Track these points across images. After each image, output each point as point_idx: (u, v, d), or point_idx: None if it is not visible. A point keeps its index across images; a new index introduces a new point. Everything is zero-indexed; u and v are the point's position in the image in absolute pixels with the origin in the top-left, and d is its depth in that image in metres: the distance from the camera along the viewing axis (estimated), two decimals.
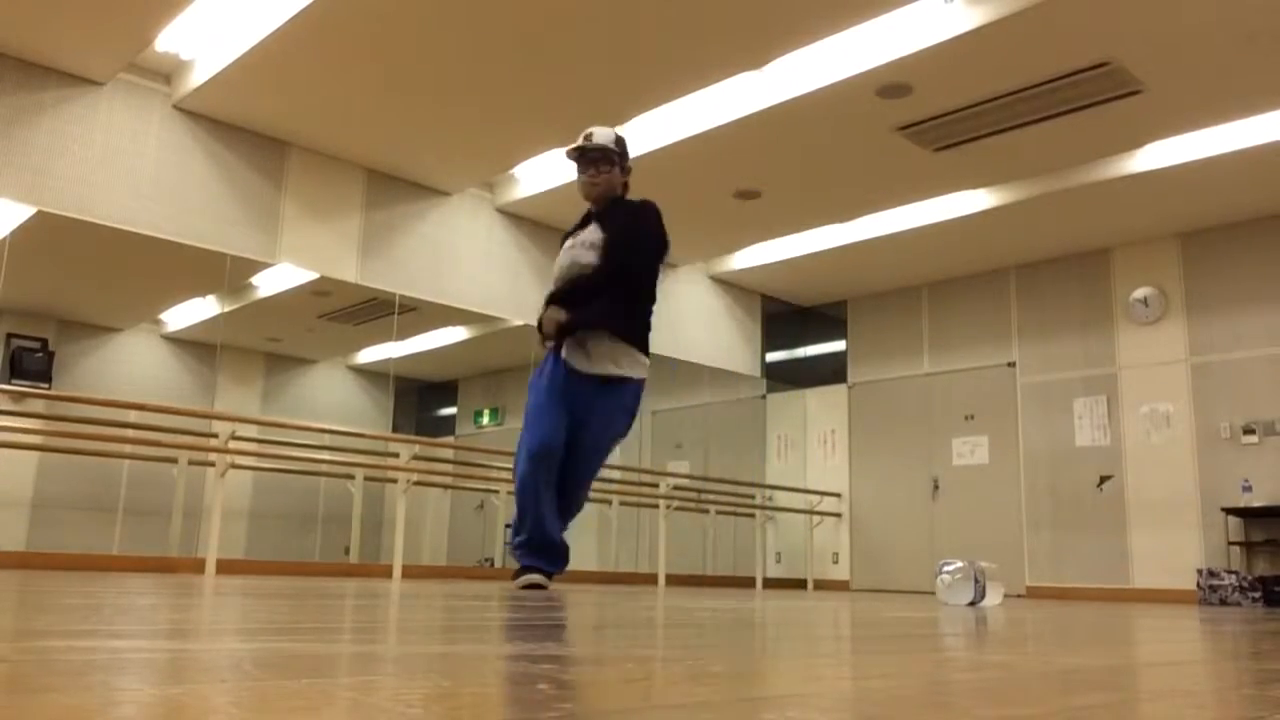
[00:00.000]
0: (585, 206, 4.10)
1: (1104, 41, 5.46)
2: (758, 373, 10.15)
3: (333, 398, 7.91)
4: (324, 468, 7.24)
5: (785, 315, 10.31)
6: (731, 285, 9.81)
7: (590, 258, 3.86)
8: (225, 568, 5.91)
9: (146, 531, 6.52)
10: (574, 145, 3.99)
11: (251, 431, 6.68)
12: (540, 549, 3.82)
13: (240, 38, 5.82)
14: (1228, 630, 2.45)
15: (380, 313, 7.60)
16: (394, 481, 6.92)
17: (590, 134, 3.98)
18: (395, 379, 7.90)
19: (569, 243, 4.00)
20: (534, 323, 4.12)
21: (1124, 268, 8.40)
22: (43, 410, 6.15)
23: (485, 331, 8.31)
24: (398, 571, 6.42)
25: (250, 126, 6.83)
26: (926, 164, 7.06)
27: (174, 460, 6.33)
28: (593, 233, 3.93)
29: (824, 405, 10.10)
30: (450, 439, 8.68)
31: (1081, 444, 8.40)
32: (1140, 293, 8.25)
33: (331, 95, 6.33)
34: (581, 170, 4.00)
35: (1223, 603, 7.09)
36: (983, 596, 4.52)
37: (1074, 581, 8.22)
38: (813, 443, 10.14)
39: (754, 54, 5.79)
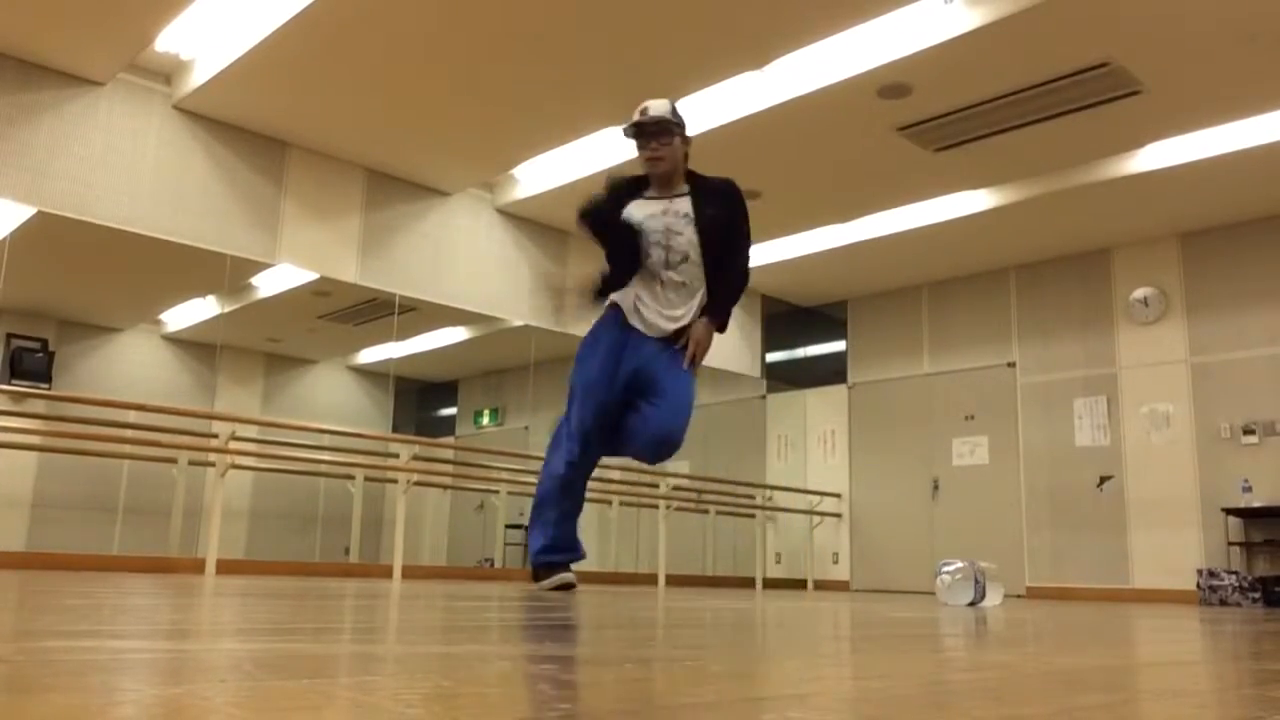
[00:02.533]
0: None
1: (1104, 41, 5.46)
2: (758, 373, 10.15)
3: (333, 398, 7.91)
4: (324, 468, 7.24)
5: (785, 315, 10.30)
6: None
7: (688, 233, 3.81)
8: (225, 568, 5.91)
9: (146, 531, 6.53)
10: (630, 122, 3.89)
11: (251, 432, 6.68)
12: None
13: (240, 38, 5.82)
14: (1228, 630, 2.45)
15: (380, 313, 7.60)
16: (394, 482, 6.92)
17: (645, 108, 3.89)
18: (395, 379, 7.90)
19: (658, 208, 3.85)
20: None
21: (1124, 268, 8.40)
22: (43, 410, 6.15)
23: (485, 331, 8.31)
24: (398, 571, 6.42)
25: (250, 126, 6.83)
26: (926, 164, 7.06)
27: (174, 460, 6.33)
28: (685, 204, 3.84)
29: (824, 405, 10.09)
30: (450, 439, 8.69)
31: (1081, 444, 8.40)
32: (1140, 293, 8.25)
33: (331, 95, 6.33)
34: (641, 146, 3.87)
35: (1223, 603, 7.09)
36: (983, 597, 4.52)
37: (1074, 581, 8.22)
38: (813, 443, 10.14)
39: (755, 54, 5.79)
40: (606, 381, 3.81)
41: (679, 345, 3.81)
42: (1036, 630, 2.09)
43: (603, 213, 3.89)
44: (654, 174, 3.89)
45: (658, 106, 3.87)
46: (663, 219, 3.83)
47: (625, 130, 3.89)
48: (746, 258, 3.94)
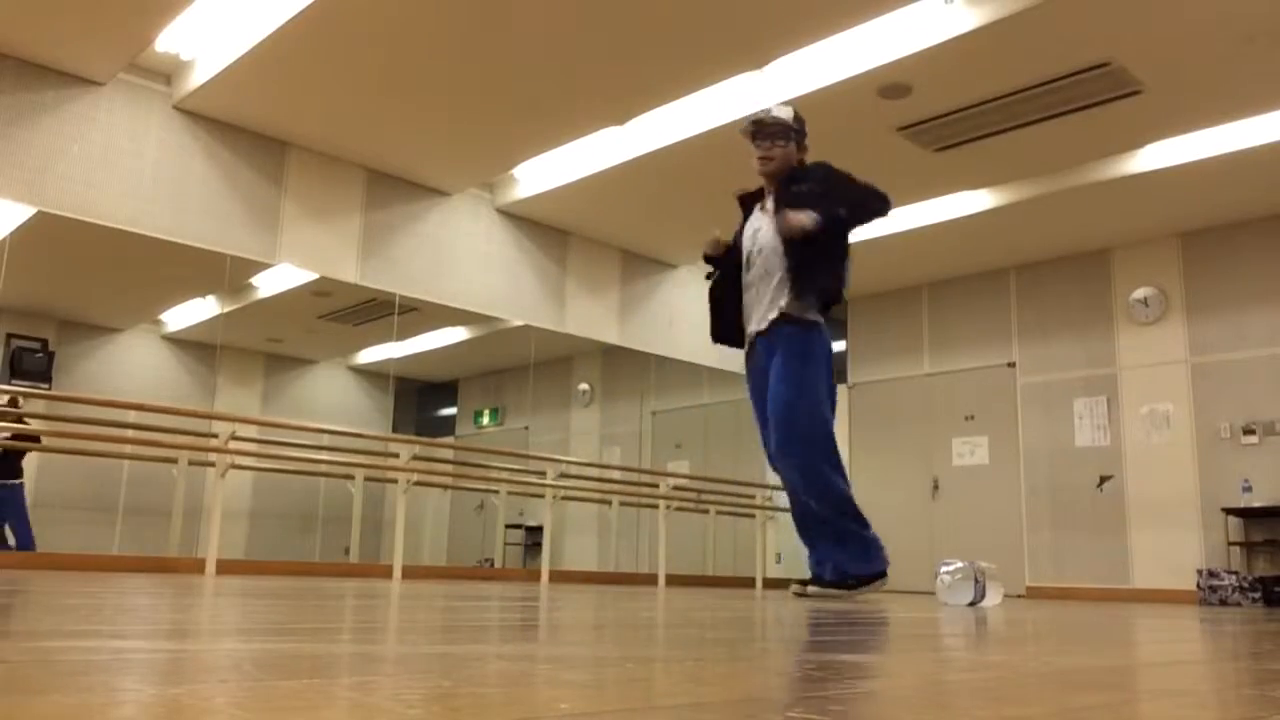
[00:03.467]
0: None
1: (1104, 41, 5.46)
2: None
3: (333, 398, 7.91)
4: (324, 468, 7.23)
5: None
6: None
7: (766, 227, 3.84)
8: (225, 568, 5.91)
9: (146, 531, 6.52)
10: (750, 118, 3.86)
11: (251, 432, 6.68)
12: None
13: (240, 38, 5.82)
14: (1228, 630, 2.45)
15: (380, 313, 7.60)
16: (394, 482, 6.91)
17: (768, 109, 3.87)
18: (395, 379, 7.90)
19: (757, 223, 3.92)
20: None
21: (1124, 268, 8.40)
22: (43, 410, 6.15)
23: (485, 331, 8.31)
24: (398, 571, 6.42)
25: (250, 126, 6.83)
26: (926, 164, 7.05)
27: (174, 460, 6.32)
28: (771, 201, 3.86)
29: None
30: (450, 439, 8.68)
31: (1081, 444, 8.40)
32: (1140, 293, 8.25)
33: (331, 95, 6.33)
34: (756, 146, 3.84)
35: (1223, 603, 7.09)
36: (983, 597, 4.52)
37: (1074, 581, 8.22)
38: None
39: (754, 54, 5.79)
40: (756, 397, 3.95)
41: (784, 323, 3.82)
42: (1036, 630, 2.09)
43: (721, 261, 4.05)
44: (763, 174, 3.88)
45: (779, 109, 3.84)
46: (752, 228, 3.87)
47: (743, 127, 3.85)
48: (861, 190, 3.83)
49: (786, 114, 3.84)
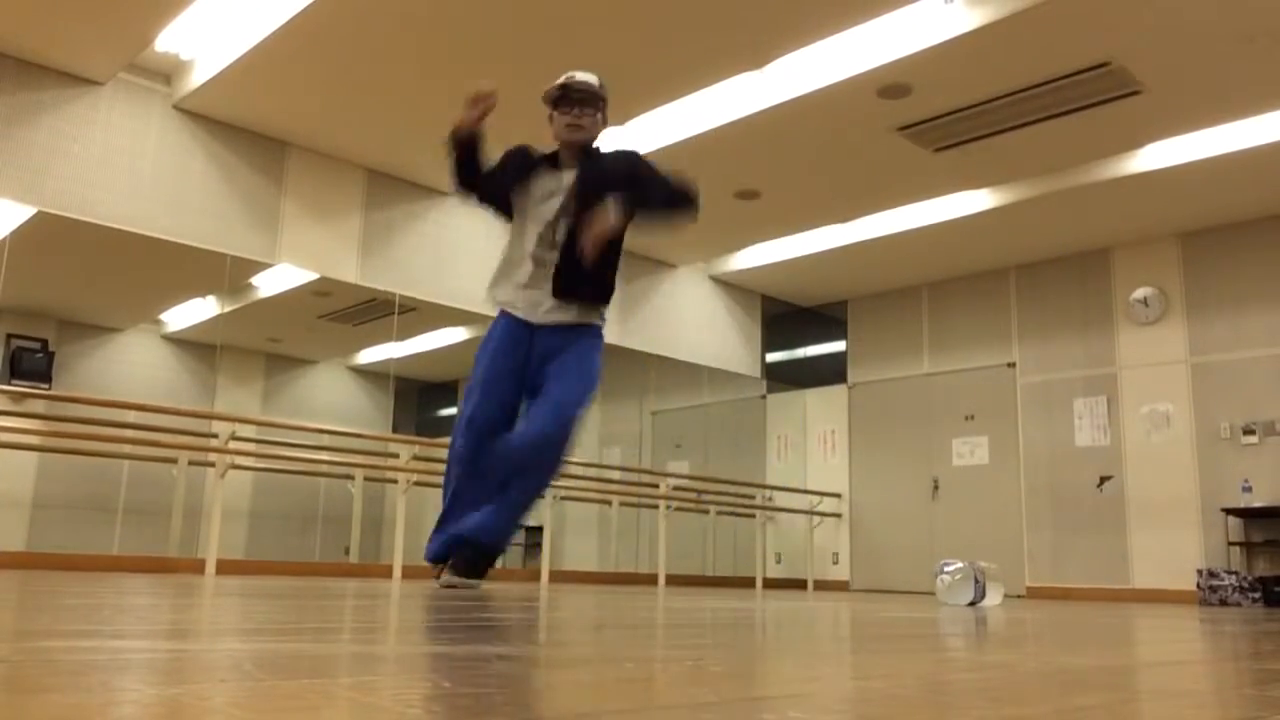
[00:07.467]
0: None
1: (1104, 41, 5.46)
2: (758, 373, 10.14)
3: (333, 398, 7.90)
4: (324, 468, 7.23)
5: (785, 315, 10.30)
6: (731, 285, 9.81)
7: (571, 206, 3.56)
8: (225, 568, 5.91)
9: (146, 531, 6.52)
10: (556, 83, 3.60)
11: (251, 432, 6.68)
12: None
13: (240, 38, 5.82)
14: (1228, 630, 2.45)
15: (380, 313, 7.60)
16: (394, 482, 6.92)
17: (573, 75, 3.63)
18: (395, 379, 7.90)
19: (554, 184, 3.60)
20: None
21: (1124, 268, 8.40)
22: (43, 410, 6.15)
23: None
24: (398, 571, 6.43)
25: (250, 126, 6.83)
26: (926, 164, 7.05)
27: (174, 460, 6.32)
28: (572, 176, 3.58)
29: (824, 405, 10.09)
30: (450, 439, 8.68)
31: (1081, 444, 8.40)
32: (1140, 293, 8.25)
33: (331, 95, 6.33)
34: (564, 111, 3.57)
35: (1223, 603, 7.09)
36: (983, 597, 4.52)
37: (1074, 582, 8.22)
38: (813, 443, 10.13)
39: (754, 54, 5.79)
40: (501, 378, 3.67)
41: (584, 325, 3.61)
42: (1036, 630, 2.09)
43: (473, 151, 3.63)
44: (570, 143, 3.61)
45: (586, 75, 3.63)
46: (555, 201, 3.57)
47: (548, 93, 3.59)
48: (668, 182, 3.56)
49: (594, 81, 3.69)
